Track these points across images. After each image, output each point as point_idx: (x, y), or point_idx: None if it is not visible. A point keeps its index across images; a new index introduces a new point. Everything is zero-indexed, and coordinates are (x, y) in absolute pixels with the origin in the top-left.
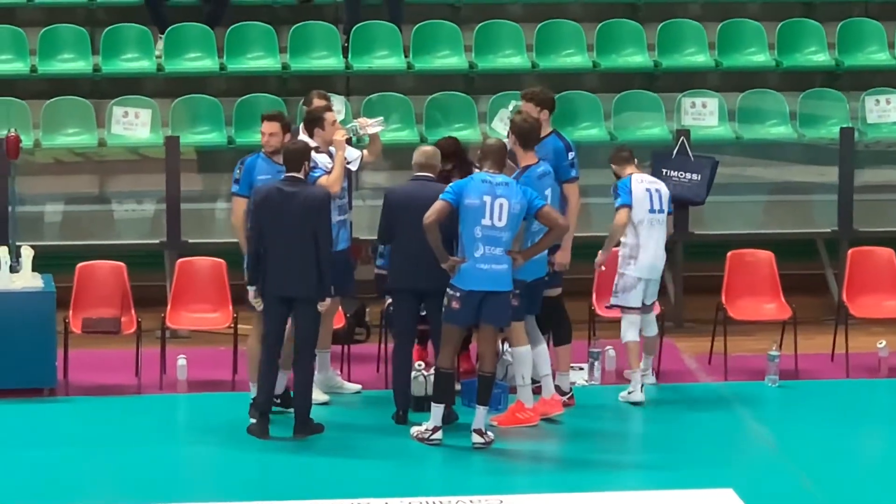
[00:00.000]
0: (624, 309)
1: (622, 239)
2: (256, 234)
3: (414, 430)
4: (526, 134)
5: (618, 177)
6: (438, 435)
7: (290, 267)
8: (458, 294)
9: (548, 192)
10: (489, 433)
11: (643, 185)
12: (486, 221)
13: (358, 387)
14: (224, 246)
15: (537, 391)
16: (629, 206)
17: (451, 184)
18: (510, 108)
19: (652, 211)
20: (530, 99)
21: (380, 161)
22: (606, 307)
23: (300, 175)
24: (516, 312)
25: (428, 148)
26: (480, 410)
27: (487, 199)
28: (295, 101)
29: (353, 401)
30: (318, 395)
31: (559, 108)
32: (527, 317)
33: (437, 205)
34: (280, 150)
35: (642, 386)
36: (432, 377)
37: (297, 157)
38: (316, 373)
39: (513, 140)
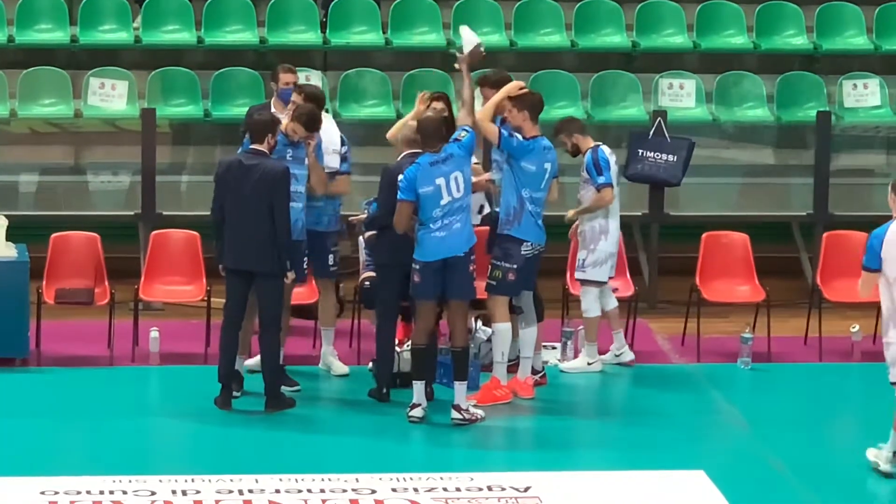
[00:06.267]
0: (588, 283)
1: (590, 215)
2: (218, 206)
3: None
4: (536, 106)
5: (577, 148)
6: (416, 412)
7: (248, 240)
8: (417, 267)
9: (547, 165)
10: (469, 409)
11: (612, 157)
12: (444, 201)
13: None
14: (198, 219)
15: (511, 369)
16: (612, 185)
17: (401, 179)
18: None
19: (618, 184)
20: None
21: (358, 137)
22: (576, 280)
23: (263, 148)
24: (512, 287)
25: (414, 123)
26: (458, 386)
27: (441, 181)
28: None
29: (325, 375)
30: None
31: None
32: (524, 293)
33: (401, 207)
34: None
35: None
36: (405, 354)
37: (262, 128)
38: (324, 346)
39: (523, 116)
